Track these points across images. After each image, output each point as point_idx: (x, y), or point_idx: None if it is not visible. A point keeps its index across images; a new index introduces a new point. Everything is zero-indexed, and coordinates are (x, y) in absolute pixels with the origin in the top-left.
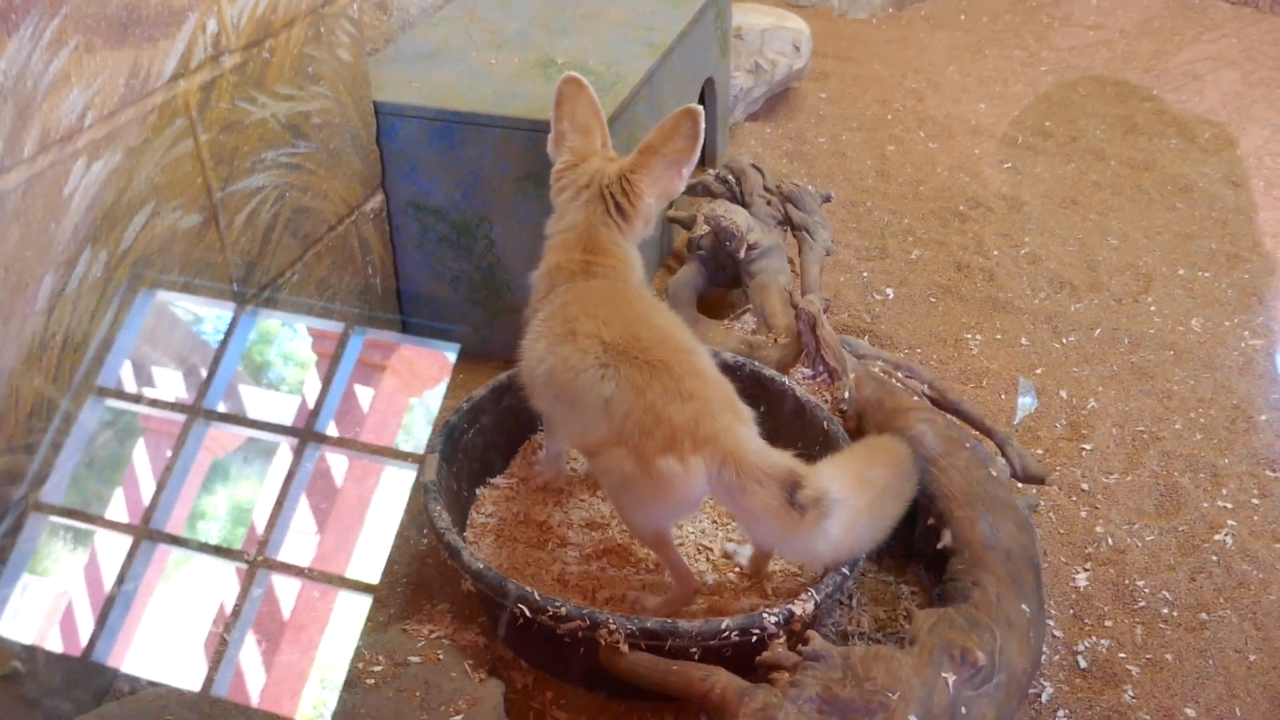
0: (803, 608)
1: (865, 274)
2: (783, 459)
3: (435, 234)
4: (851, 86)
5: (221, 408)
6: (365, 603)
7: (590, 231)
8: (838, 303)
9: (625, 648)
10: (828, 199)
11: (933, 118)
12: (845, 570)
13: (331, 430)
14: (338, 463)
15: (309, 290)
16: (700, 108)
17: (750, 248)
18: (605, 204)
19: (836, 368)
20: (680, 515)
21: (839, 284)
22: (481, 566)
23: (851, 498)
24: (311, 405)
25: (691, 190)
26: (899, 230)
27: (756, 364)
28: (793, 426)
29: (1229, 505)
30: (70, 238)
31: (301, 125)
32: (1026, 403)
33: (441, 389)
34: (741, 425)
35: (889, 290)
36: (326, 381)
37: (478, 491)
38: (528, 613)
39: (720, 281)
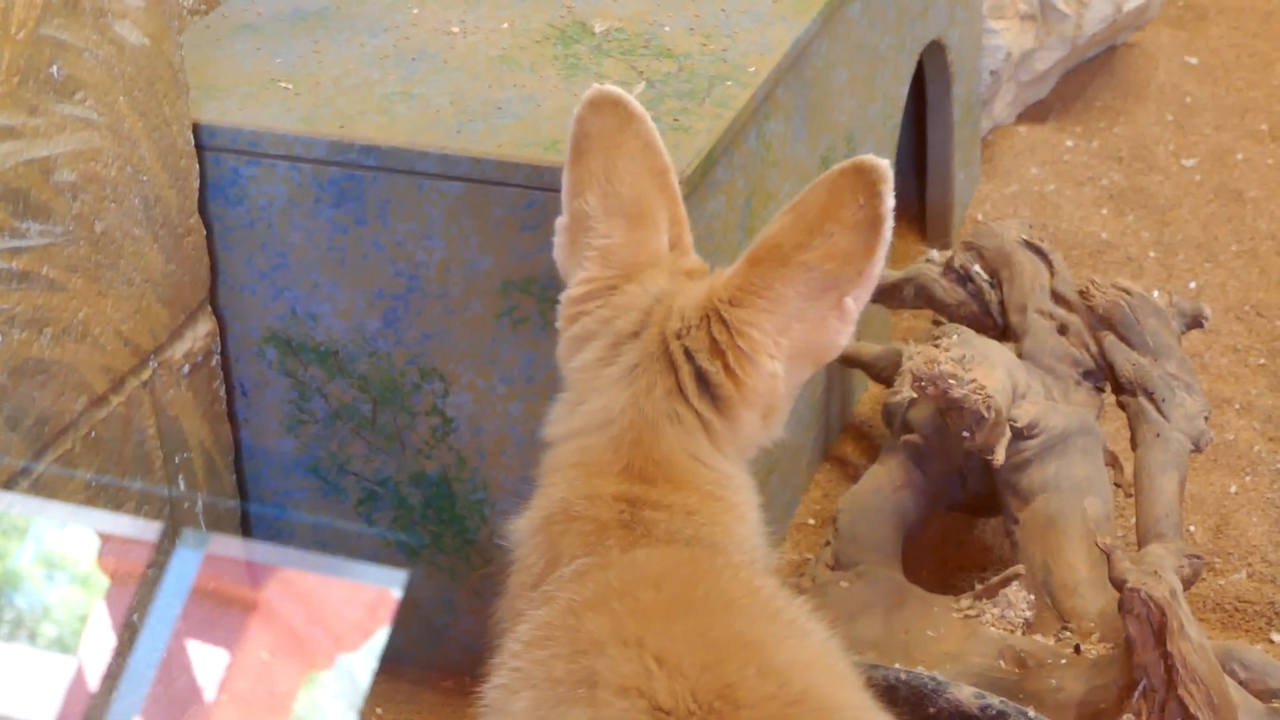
0: None
1: None
2: None
3: (324, 402)
4: (1248, 40)
5: None
6: None
7: (643, 435)
8: (1233, 547)
9: None
10: (1198, 321)
11: None
12: None
13: None
14: None
15: None
16: (879, 163)
17: (1026, 437)
18: (675, 374)
19: None
20: None
21: (1225, 508)
22: None
23: None
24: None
25: (890, 295)
26: None
27: (1032, 713)
28: None
29: None
30: None
31: (33, 189)
32: None
33: (375, 645)
34: None
35: None
36: (125, 639)
37: None
38: None
39: (955, 500)
